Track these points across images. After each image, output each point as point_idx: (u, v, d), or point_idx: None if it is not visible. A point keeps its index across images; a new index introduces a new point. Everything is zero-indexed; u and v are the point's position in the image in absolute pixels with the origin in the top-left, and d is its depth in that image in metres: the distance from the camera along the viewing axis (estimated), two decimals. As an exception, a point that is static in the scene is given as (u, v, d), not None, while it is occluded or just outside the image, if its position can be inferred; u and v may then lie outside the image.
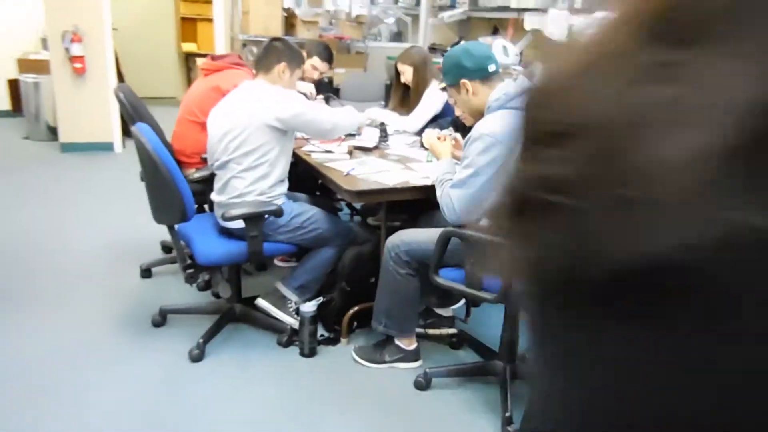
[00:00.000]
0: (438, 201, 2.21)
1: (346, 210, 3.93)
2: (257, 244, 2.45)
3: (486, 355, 2.57)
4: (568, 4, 4.24)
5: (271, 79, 2.55)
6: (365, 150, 2.95)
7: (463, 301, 2.91)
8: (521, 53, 4.86)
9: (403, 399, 2.35)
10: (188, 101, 3.11)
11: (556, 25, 4.25)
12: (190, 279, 2.41)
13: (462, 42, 2.33)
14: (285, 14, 5.98)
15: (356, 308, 2.69)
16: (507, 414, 2.20)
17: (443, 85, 2.29)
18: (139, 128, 2.32)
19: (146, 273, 3.22)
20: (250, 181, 2.47)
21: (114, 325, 2.76)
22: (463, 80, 2.17)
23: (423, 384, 2.40)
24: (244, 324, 2.74)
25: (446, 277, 2.23)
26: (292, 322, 2.68)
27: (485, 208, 0.28)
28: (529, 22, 4.62)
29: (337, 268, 2.76)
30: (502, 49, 4.53)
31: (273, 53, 2.58)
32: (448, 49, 5.44)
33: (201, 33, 7.96)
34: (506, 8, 4.92)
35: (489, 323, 2.84)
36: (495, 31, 5.38)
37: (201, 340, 2.52)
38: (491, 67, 2.17)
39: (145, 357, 2.52)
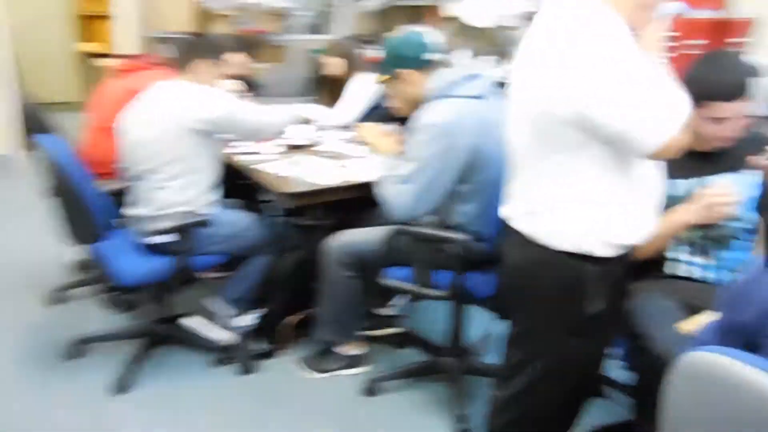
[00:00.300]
0: (382, 198, 2.10)
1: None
2: (186, 259, 2.25)
3: (432, 351, 2.51)
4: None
5: (189, 77, 2.34)
6: (297, 148, 2.80)
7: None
8: (444, 41, 4.83)
9: (352, 407, 2.26)
10: (100, 106, 2.82)
11: (476, 12, 4.24)
12: (112, 303, 2.18)
13: (401, 31, 2.22)
14: (197, 8, 5.67)
15: (296, 317, 2.56)
16: (461, 412, 2.14)
17: (383, 78, 2.16)
18: (43, 139, 2.06)
19: (55, 298, 2.90)
20: (175, 191, 2.26)
21: (21, 360, 2.47)
22: (401, 70, 2.08)
23: (372, 389, 2.31)
24: (173, 346, 2.52)
25: (392, 277, 2.14)
26: (226, 338, 2.50)
27: None
28: (449, 9, 4.60)
29: (273, 275, 2.60)
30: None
31: (188, 49, 2.38)
32: (370, 39, 5.35)
33: (101, 31, 7.41)
34: (426, -4, 4.88)
35: (430, 318, 2.78)
36: (414, 20, 5.33)
37: (125, 369, 2.30)
38: (429, 56, 2.09)
39: (62, 395, 2.26)
